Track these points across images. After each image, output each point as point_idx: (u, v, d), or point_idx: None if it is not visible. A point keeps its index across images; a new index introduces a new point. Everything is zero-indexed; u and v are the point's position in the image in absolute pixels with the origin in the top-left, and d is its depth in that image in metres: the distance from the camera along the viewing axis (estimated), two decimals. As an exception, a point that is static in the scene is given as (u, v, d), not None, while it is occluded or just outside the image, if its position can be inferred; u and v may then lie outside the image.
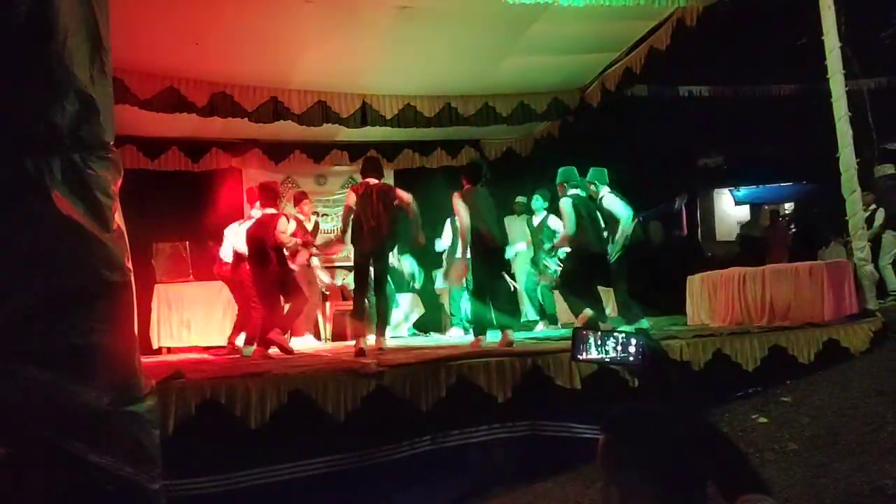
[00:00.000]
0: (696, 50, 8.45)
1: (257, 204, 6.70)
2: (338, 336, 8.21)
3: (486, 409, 4.44)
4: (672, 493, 1.35)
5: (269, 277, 6.01)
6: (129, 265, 3.22)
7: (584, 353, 1.63)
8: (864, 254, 5.98)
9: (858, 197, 6.02)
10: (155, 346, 7.67)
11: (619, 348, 1.58)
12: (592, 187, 6.64)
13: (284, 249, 6.12)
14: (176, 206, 8.57)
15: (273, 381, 4.00)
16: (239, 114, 7.49)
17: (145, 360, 6.61)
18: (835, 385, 5.02)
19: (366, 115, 8.08)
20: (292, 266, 6.67)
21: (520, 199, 9.02)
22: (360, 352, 5.31)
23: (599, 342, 1.61)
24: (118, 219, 3.26)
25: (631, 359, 1.57)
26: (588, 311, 5.85)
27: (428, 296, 9.13)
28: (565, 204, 6.10)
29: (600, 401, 4.70)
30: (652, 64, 7.46)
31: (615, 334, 1.61)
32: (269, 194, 6.38)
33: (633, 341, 1.58)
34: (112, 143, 3.29)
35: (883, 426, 4.13)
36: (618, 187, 6.57)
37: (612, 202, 6.22)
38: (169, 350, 7.74)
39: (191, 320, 7.79)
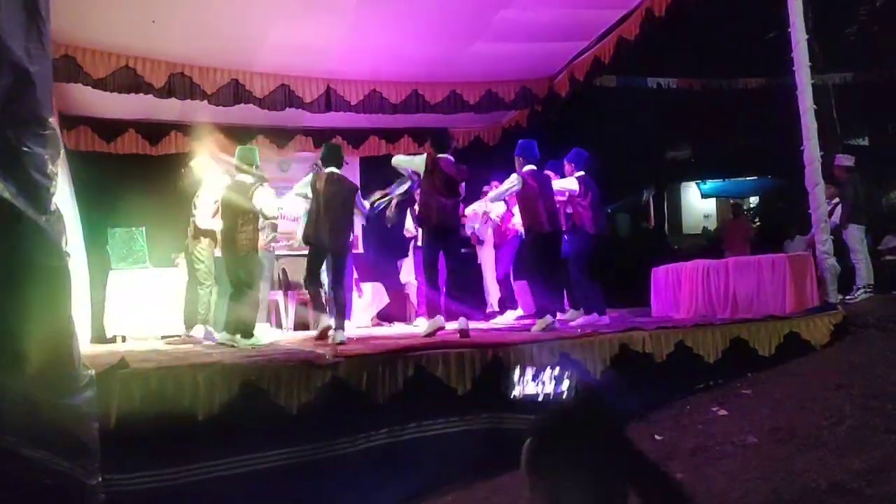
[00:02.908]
0: (665, 41, 8.44)
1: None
2: (300, 325, 8.06)
3: (445, 402, 4.34)
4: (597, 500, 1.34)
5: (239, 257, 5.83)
6: (67, 248, 3.05)
7: (520, 390, 1.68)
8: (827, 247, 6.00)
9: (822, 190, 6.03)
10: (109, 335, 7.43)
11: (553, 383, 1.62)
12: (568, 167, 6.68)
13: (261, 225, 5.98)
14: (133, 191, 8.28)
15: (222, 372, 3.85)
16: (198, 96, 7.28)
17: (99, 348, 6.42)
18: (795, 378, 5.02)
19: (330, 100, 7.91)
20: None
21: (488, 188, 8.96)
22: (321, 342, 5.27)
23: (535, 376, 1.65)
24: (57, 200, 3.09)
25: (564, 395, 1.62)
26: (548, 318, 5.82)
27: (393, 286, 9.03)
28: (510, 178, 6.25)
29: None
30: (621, 54, 7.43)
31: (549, 370, 1.62)
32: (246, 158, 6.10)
33: (567, 376, 1.61)
34: (50, 118, 3.10)
35: (842, 420, 4.11)
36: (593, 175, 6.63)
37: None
38: (124, 339, 7.51)
39: (147, 308, 7.56)
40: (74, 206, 7.33)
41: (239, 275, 5.79)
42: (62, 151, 3.18)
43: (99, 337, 7.28)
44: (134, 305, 7.50)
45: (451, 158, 6.01)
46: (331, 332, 5.67)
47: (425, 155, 5.99)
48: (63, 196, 6.87)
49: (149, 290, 7.60)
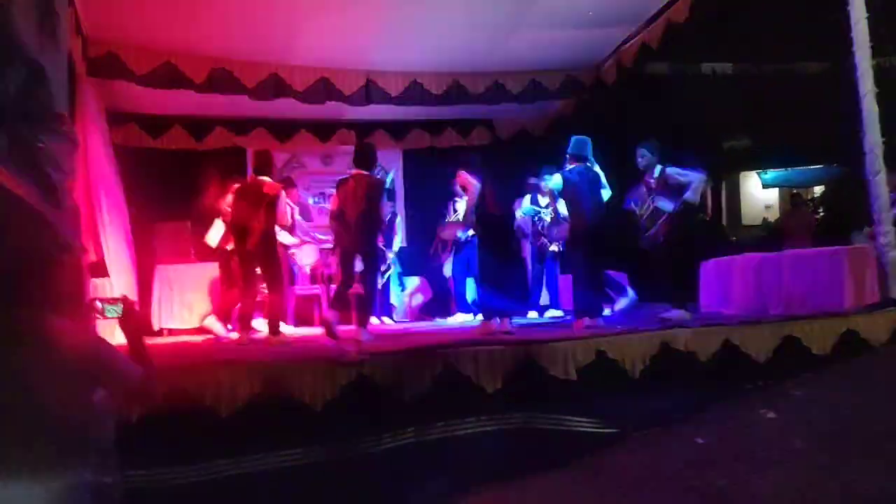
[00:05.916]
0: (717, 24, 8.06)
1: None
2: (301, 321, 8.00)
3: (474, 401, 4.21)
4: None
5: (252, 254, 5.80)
6: (83, 244, 3.04)
7: None
8: (888, 239, 5.60)
9: (883, 179, 5.64)
10: (156, 328, 7.55)
11: None
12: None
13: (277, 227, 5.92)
14: (179, 186, 8.38)
15: (245, 369, 3.81)
16: (238, 90, 7.30)
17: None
18: (852, 379, 4.70)
19: (370, 92, 7.83)
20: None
21: (534, 180, 8.76)
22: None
23: None
24: (73, 195, 3.08)
25: None
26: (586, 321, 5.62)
27: (436, 280, 8.93)
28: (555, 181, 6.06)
29: (596, 392, 4.47)
30: (670, 39, 7.10)
31: None
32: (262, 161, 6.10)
33: None
34: (65, 113, 3.09)
35: (902, 426, 3.82)
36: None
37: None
38: (170, 332, 7.63)
39: (192, 302, 7.67)
40: (123, 201, 7.46)
41: (253, 271, 5.77)
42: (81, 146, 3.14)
43: (145, 331, 7.38)
44: (179, 299, 7.62)
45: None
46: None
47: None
48: (112, 192, 7.04)
49: (194, 284, 7.71)
